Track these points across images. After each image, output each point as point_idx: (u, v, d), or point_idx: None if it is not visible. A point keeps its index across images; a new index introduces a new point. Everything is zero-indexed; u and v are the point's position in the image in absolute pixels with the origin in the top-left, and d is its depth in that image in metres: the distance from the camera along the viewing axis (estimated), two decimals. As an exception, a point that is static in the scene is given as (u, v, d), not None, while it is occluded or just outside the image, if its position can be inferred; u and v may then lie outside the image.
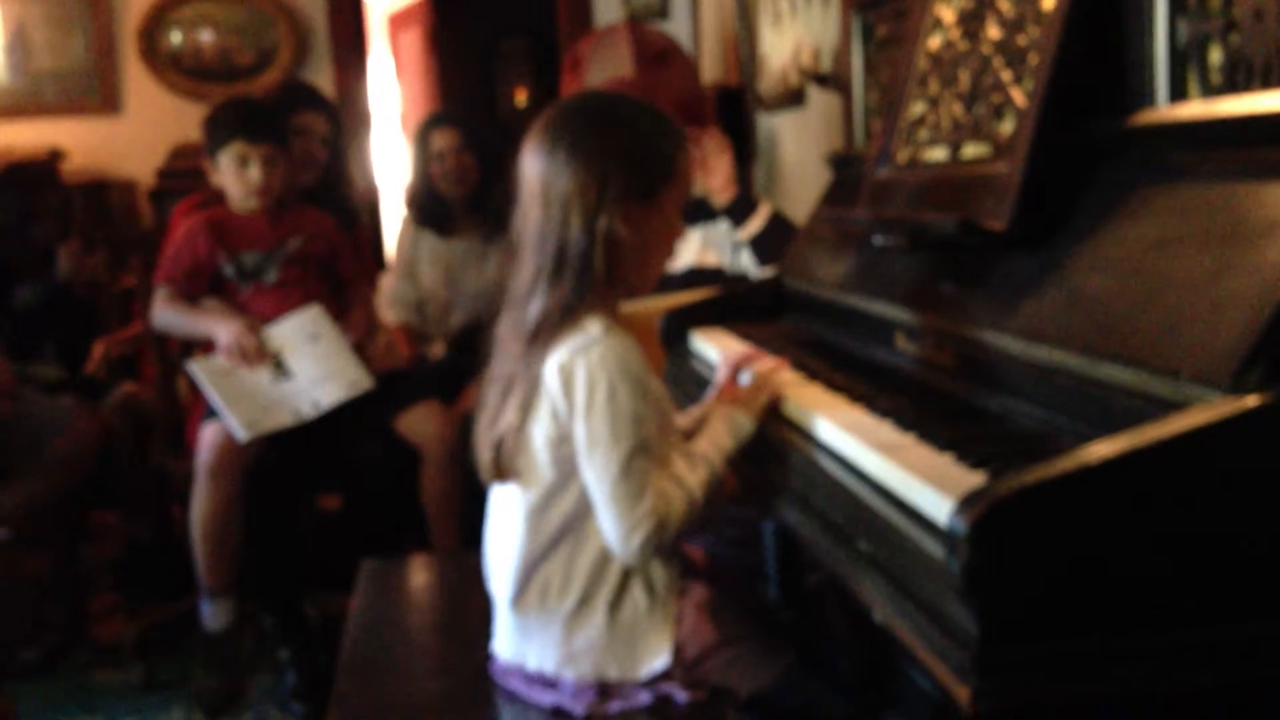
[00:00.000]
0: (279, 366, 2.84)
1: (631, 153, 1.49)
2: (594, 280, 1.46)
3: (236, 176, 2.91)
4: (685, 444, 1.56)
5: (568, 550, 1.52)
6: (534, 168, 1.50)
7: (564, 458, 1.49)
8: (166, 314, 2.91)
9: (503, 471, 1.53)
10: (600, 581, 1.51)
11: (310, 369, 2.85)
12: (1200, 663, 0.99)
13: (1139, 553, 0.97)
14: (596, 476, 1.46)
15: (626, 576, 1.51)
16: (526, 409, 1.49)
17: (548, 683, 1.54)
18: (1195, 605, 0.99)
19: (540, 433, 1.49)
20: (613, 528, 1.47)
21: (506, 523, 1.57)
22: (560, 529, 1.51)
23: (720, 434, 1.55)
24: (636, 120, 1.53)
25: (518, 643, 1.57)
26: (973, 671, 0.97)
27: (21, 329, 3.74)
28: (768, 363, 1.70)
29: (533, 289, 1.49)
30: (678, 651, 1.51)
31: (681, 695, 1.50)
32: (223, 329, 2.82)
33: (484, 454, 1.54)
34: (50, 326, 3.86)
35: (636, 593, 1.51)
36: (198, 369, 2.82)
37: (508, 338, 1.53)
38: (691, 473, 1.50)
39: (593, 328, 1.46)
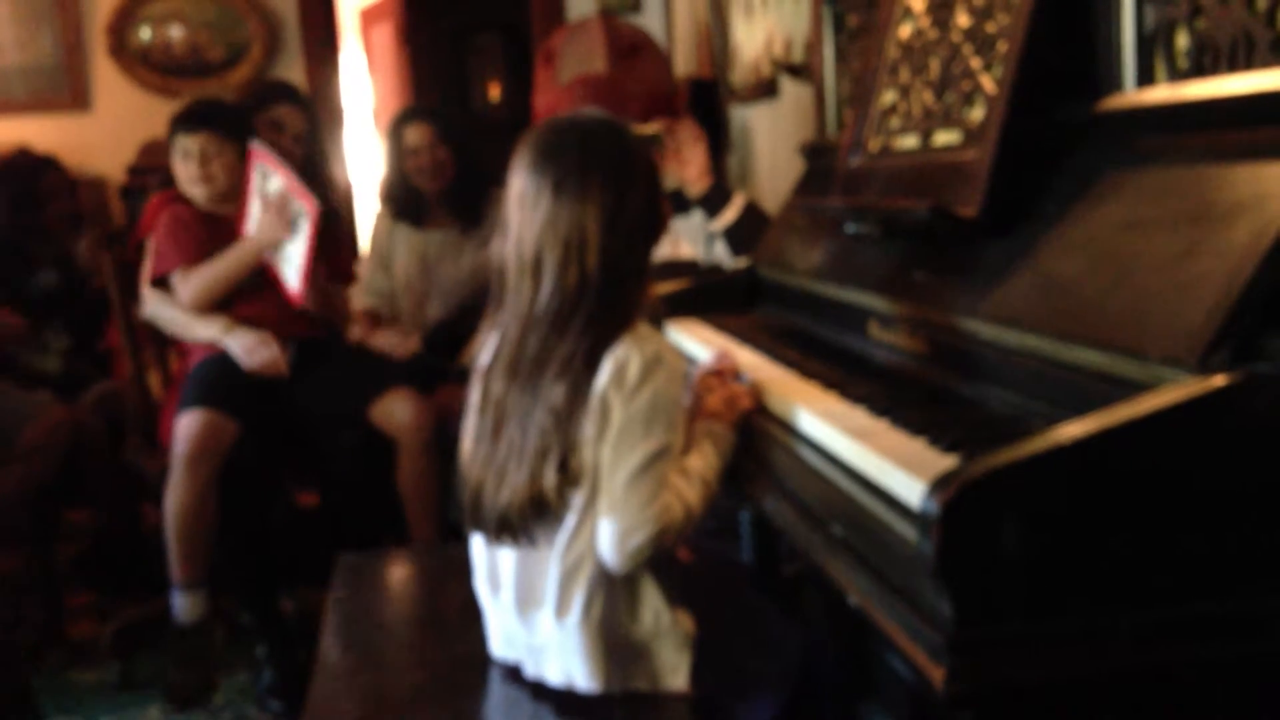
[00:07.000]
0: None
1: (649, 177, 1.49)
2: (627, 307, 1.45)
3: (180, 169, 2.95)
4: (680, 460, 1.52)
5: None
6: (548, 199, 1.43)
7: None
8: (192, 286, 2.92)
9: (518, 533, 1.48)
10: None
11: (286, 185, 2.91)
12: (1170, 640, 0.99)
13: (1109, 532, 0.98)
14: (613, 465, 1.42)
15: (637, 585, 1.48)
16: (568, 459, 1.43)
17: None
18: (1165, 583, 0.99)
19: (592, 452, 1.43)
20: (616, 523, 1.42)
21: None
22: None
23: (709, 452, 1.53)
24: (638, 144, 1.51)
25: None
26: (946, 653, 0.98)
27: (37, 313, 3.82)
28: (739, 383, 1.67)
29: (556, 324, 1.43)
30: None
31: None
32: (241, 349, 2.87)
33: (504, 507, 1.47)
34: (66, 311, 3.93)
35: (654, 601, 1.49)
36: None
37: (515, 384, 1.47)
38: (689, 489, 1.47)
39: (643, 329, 1.46)
